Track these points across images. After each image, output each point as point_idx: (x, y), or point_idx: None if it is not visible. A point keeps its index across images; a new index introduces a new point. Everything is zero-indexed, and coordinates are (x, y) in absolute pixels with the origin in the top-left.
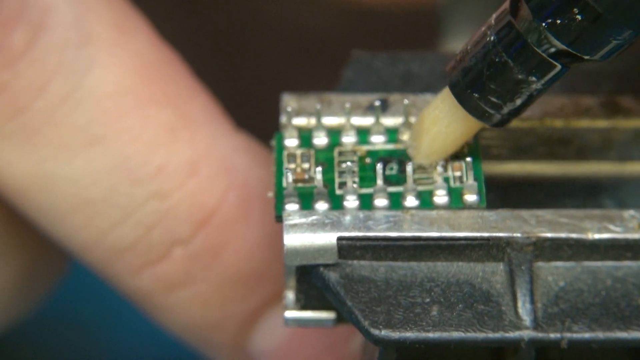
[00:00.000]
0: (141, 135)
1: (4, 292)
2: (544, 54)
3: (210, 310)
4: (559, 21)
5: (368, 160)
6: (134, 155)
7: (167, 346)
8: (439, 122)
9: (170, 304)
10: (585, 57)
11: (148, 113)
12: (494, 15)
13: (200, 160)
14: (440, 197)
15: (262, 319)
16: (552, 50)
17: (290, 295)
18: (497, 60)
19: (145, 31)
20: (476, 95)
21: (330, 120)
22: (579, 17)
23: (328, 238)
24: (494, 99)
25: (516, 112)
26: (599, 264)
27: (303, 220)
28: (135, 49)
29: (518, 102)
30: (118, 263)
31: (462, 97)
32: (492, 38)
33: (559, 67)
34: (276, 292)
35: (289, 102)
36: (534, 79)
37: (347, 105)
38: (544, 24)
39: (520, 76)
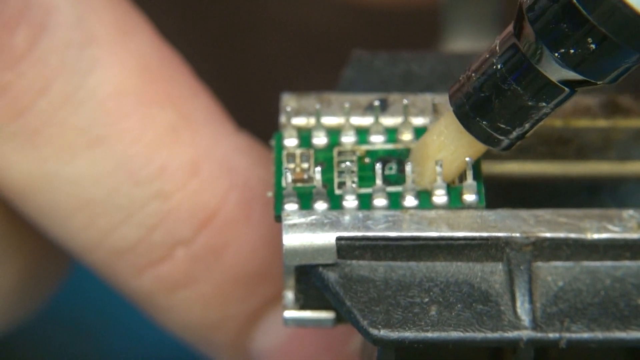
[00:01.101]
0: (143, 135)
1: (5, 293)
2: (553, 80)
3: (211, 310)
4: (569, 50)
5: (367, 160)
6: (136, 156)
7: (168, 347)
8: (444, 148)
9: (172, 305)
10: (596, 82)
11: (150, 113)
12: (498, 41)
13: (202, 160)
14: (440, 196)
15: (263, 319)
16: (561, 77)
17: (289, 295)
18: (505, 87)
19: (146, 31)
20: (484, 122)
21: (329, 120)
22: (589, 45)
23: (327, 238)
24: (502, 125)
25: (523, 135)
26: (598, 263)
27: (302, 220)
28: (137, 50)
29: (527, 126)
30: (120, 264)
31: (469, 124)
32: (498, 66)
33: (567, 91)
34: (277, 292)
35: (289, 101)
36: (543, 104)
37: (347, 105)
38: (556, 54)
39: (530, 103)
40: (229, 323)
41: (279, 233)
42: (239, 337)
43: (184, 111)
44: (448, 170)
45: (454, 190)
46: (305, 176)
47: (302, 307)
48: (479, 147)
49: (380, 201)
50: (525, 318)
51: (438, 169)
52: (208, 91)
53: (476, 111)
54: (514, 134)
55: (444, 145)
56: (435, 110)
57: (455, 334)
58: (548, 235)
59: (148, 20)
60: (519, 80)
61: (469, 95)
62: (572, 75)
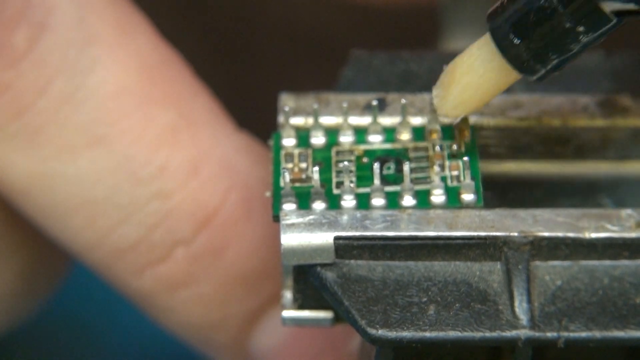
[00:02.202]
0: (143, 135)
1: (4, 293)
2: (601, 7)
3: (211, 310)
4: None
5: (365, 159)
6: (136, 156)
7: (168, 346)
8: (472, 71)
9: (172, 304)
10: None
11: (150, 113)
12: None
13: (202, 160)
14: (438, 196)
15: (263, 319)
16: (614, 6)
17: (287, 295)
18: (546, 5)
19: (147, 31)
20: (519, 42)
21: (327, 120)
22: None
23: (325, 238)
24: (537, 49)
25: (557, 66)
26: (596, 263)
27: (300, 219)
28: (137, 49)
29: (563, 54)
30: (120, 263)
31: (504, 45)
32: None
33: (613, 20)
34: (277, 291)
35: (287, 101)
36: (582, 29)
37: (345, 104)
38: None
39: (568, 24)
40: (229, 323)
41: (279, 232)
42: (239, 337)
43: (184, 111)
44: (473, 96)
45: (452, 190)
46: (304, 176)
47: (301, 306)
48: (509, 74)
49: (378, 201)
50: (523, 317)
51: (437, 167)
52: (208, 91)
53: (513, 30)
54: (548, 61)
55: (473, 67)
56: (434, 110)
57: (453, 334)
58: (546, 234)
59: (148, 20)
60: (565, 3)
61: (508, 15)
62: (625, 3)
